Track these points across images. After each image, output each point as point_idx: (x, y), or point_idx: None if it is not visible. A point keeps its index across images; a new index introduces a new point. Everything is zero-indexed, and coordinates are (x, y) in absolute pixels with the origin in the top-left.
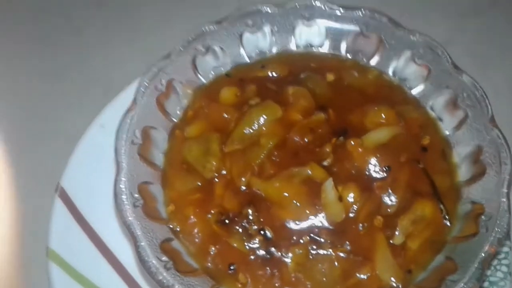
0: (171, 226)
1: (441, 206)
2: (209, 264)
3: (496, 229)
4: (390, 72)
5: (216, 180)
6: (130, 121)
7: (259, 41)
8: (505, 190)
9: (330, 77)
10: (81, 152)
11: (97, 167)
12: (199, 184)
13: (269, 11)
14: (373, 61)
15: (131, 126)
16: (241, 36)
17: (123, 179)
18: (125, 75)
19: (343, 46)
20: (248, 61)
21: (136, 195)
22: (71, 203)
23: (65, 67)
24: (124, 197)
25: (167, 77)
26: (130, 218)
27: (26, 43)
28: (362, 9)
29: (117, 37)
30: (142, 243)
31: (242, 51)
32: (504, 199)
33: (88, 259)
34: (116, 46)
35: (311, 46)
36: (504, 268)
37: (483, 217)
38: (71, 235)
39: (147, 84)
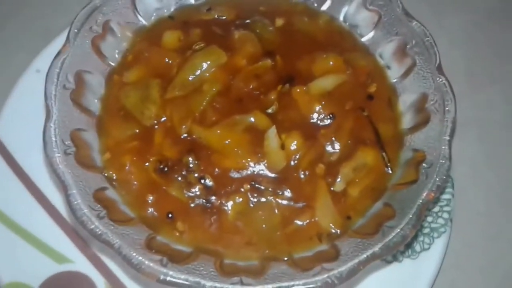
0: (106, 175)
1: (383, 154)
2: (146, 213)
3: (435, 176)
4: (341, 18)
5: (156, 127)
6: (61, 65)
7: None
8: (447, 138)
9: (280, 22)
10: (16, 99)
11: (33, 113)
12: (137, 131)
13: None
14: (325, 6)
15: (63, 70)
16: None
17: (52, 126)
18: (66, 18)
19: None
20: (194, 2)
21: (68, 142)
22: (6, 151)
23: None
24: (53, 144)
25: (104, 18)
26: (60, 166)
27: None
28: None
29: None
30: (73, 191)
31: None
32: (445, 147)
33: (24, 208)
34: None
35: None
36: (446, 215)
37: (424, 164)
38: (6, 184)
39: (79, 25)
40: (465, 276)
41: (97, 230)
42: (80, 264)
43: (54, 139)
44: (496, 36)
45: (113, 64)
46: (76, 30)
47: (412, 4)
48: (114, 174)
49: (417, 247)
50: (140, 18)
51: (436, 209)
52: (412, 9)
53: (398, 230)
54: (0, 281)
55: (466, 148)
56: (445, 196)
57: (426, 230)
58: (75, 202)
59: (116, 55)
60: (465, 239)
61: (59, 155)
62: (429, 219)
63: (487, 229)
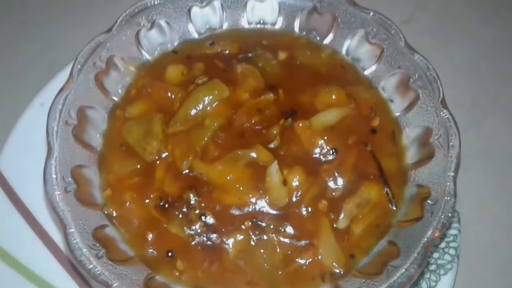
0: (106, 212)
1: (387, 189)
2: (145, 251)
3: (441, 213)
4: (344, 51)
5: (158, 163)
6: (63, 101)
7: (209, 17)
8: (452, 174)
9: (282, 55)
10: (20, 132)
11: (36, 148)
12: (139, 167)
13: None
14: (327, 40)
15: (66, 106)
16: (189, 10)
17: (53, 163)
18: (71, 52)
19: (297, 24)
20: (197, 37)
21: (69, 179)
22: (8, 186)
23: (6, 44)
24: (54, 182)
25: (108, 53)
26: (59, 204)
27: None
28: None
29: (62, 13)
30: (72, 230)
31: (190, 26)
32: (450, 183)
33: (25, 245)
34: (61, 22)
35: (264, 23)
36: (452, 251)
37: (429, 201)
38: (8, 219)
39: (83, 60)
40: None
41: (95, 270)
42: None
43: (54, 176)
44: (501, 66)
45: (116, 99)
46: (79, 66)
47: (415, 36)
48: (114, 211)
49: (423, 285)
50: (144, 53)
51: (443, 245)
52: (415, 41)
53: (403, 270)
54: None
55: (472, 181)
56: (452, 232)
57: (433, 267)
58: (74, 241)
59: (120, 90)
60: (472, 276)
61: (58, 192)
62: (436, 255)
63: (495, 264)
